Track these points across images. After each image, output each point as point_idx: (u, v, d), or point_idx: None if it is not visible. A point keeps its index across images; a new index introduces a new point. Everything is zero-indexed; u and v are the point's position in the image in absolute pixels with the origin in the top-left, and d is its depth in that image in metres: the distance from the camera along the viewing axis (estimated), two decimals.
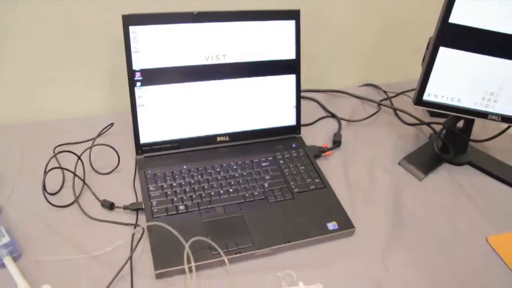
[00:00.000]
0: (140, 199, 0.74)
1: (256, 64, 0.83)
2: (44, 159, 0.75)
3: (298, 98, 0.87)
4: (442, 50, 0.76)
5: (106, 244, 0.66)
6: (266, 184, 0.78)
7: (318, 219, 0.72)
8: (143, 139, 0.80)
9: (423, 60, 0.78)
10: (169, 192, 0.74)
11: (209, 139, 0.83)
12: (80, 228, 0.69)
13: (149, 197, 0.73)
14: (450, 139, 0.91)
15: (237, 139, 0.85)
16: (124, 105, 0.80)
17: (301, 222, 0.72)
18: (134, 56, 0.75)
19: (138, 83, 0.77)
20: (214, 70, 0.81)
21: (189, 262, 0.62)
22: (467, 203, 0.83)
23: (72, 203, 0.73)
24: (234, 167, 0.80)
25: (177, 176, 0.77)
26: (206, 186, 0.76)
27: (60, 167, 0.76)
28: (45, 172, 0.72)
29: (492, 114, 0.80)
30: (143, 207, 0.71)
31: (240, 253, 0.66)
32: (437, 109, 0.81)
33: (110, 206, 0.72)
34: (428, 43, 0.77)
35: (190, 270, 0.61)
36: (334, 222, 0.72)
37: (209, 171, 0.79)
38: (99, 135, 0.85)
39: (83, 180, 0.76)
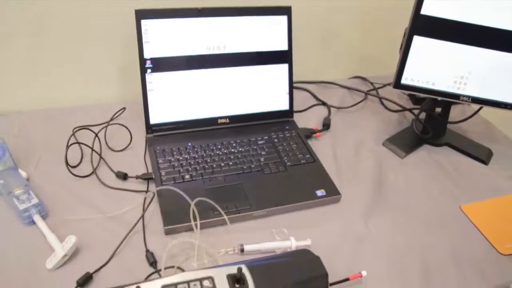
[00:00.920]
0: (150, 170, 0.83)
1: (253, 54, 0.93)
2: (64, 138, 0.85)
3: (291, 85, 0.97)
4: (416, 39, 0.86)
5: (121, 207, 0.75)
6: (262, 159, 0.87)
7: (308, 187, 0.82)
8: (152, 120, 0.90)
9: (400, 47, 0.89)
10: (176, 164, 0.83)
11: (211, 121, 0.93)
12: (98, 195, 0.78)
13: (158, 168, 0.82)
14: (430, 123, 1.00)
15: (236, 121, 0.95)
16: (134, 93, 0.91)
17: (293, 189, 0.81)
18: (145, 46, 0.86)
19: (149, 70, 0.87)
20: (216, 59, 0.91)
21: (194, 219, 0.71)
22: (443, 177, 0.92)
23: (91, 174, 0.82)
24: (234, 144, 0.90)
25: (183, 152, 0.86)
26: (208, 160, 0.85)
27: (80, 143, 0.86)
28: (67, 146, 0.82)
29: (463, 96, 0.90)
30: (153, 176, 0.81)
31: (239, 213, 0.75)
32: (414, 91, 0.91)
33: (124, 176, 0.81)
34: (404, 33, 0.87)
35: (196, 227, 0.71)
36: (322, 190, 0.82)
37: (211, 147, 0.88)
38: (112, 118, 0.94)
39: (100, 155, 0.85)
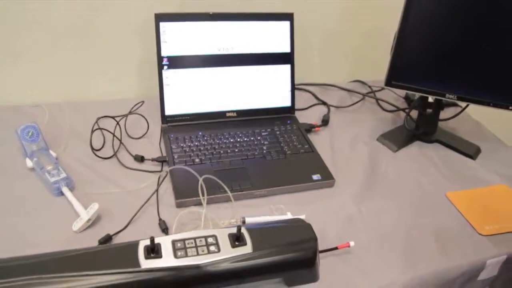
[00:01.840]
0: (165, 154, 0.93)
1: (258, 55, 1.04)
2: (88, 127, 0.95)
3: (293, 83, 1.07)
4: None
5: (138, 185, 0.85)
6: (264, 148, 0.97)
7: (305, 172, 0.91)
8: (167, 112, 1.00)
9: (391, 50, 0.98)
10: (187, 150, 0.93)
11: (220, 114, 1.03)
12: (117, 174, 0.88)
13: (171, 152, 0.92)
14: (421, 121, 1.09)
15: (242, 115, 1.05)
16: (151, 90, 1.01)
17: (291, 173, 0.90)
18: (163, 46, 0.97)
19: (165, 67, 0.98)
20: (225, 59, 1.01)
21: (202, 194, 0.80)
22: (432, 169, 1.00)
23: (111, 156, 0.92)
24: (239, 135, 0.99)
25: (194, 139, 0.96)
26: (216, 147, 0.95)
27: (103, 128, 0.96)
28: (92, 131, 0.92)
29: (449, 93, 0.98)
30: (167, 159, 0.91)
31: (242, 191, 0.84)
32: (404, 89, 1.00)
33: (141, 158, 0.92)
34: (394, 37, 0.97)
35: (203, 200, 0.80)
36: (318, 174, 0.90)
37: (219, 137, 0.98)
38: (131, 110, 1.05)
39: (120, 140, 0.96)
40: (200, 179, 0.80)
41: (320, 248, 0.72)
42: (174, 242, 0.64)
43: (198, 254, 0.63)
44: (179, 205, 0.81)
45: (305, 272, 0.68)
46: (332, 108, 1.18)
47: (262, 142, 0.98)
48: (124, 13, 1.06)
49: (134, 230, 0.76)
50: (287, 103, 1.08)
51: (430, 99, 1.05)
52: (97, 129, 0.94)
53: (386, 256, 0.76)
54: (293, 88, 1.08)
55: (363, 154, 1.02)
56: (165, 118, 1.00)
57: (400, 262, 0.75)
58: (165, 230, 0.76)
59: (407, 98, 1.25)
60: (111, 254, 0.63)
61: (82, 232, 0.75)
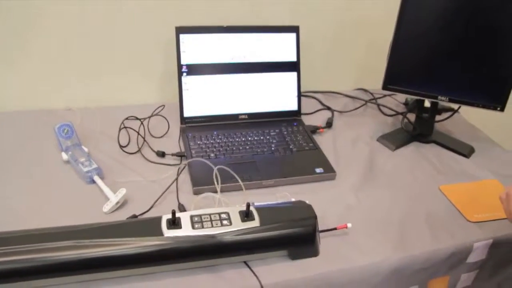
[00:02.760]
0: (183, 150, 1.04)
1: (268, 63, 1.15)
2: (115, 127, 1.07)
3: (299, 89, 1.18)
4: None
5: (159, 175, 0.96)
6: (272, 145, 1.07)
7: (309, 166, 1.00)
8: (186, 114, 1.12)
9: (388, 55, 1.08)
10: (203, 146, 1.04)
11: (233, 116, 1.15)
12: (141, 166, 0.99)
13: (189, 148, 1.03)
14: (419, 123, 1.18)
15: (253, 117, 1.16)
16: (171, 95, 1.12)
17: (296, 166, 1.00)
18: (182, 55, 1.09)
19: (184, 74, 1.10)
20: (238, 67, 1.13)
21: (216, 182, 0.90)
22: (428, 165, 1.08)
23: (136, 152, 1.04)
24: (250, 134, 1.10)
25: (209, 138, 1.07)
26: (229, 145, 1.06)
27: (128, 127, 1.08)
28: (119, 130, 1.04)
29: (441, 95, 1.08)
30: (185, 154, 1.02)
31: (251, 181, 0.94)
32: (399, 92, 1.10)
33: (162, 154, 1.03)
34: (390, 44, 1.07)
35: (217, 187, 0.90)
36: (321, 168, 1.00)
37: (232, 136, 1.09)
38: (152, 113, 1.17)
39: (144, 138, 1.07)
40: (215, 169, 0.90)
41: (321, 229, 0.81)
42: (192, 217, 0.74)
43: (212, 226, 0.73)
44: (196, 192, 0.92)
45: (307, 247, 0.77)
46: (336, 113, 1.28)
47: (271, 140, 1.09)
48: (147, 28, 1.19)
49: (156, 212, 0.86)
50: (294, 107, 1.19)
51: (427, 103, 1.15)
52: (123, 127, 1.06)
53: (380, 237, 0.85)
54: (299, 93, 1.18)
55: (363, 152, 1.11)
56: (184, 119, 1.12)
57: (393, 242, 0.84)
58: (183, 212, 0.86)
59: (406, 104, 1.35)
60: (139, 226, 0.74)
61: (111, 213, 0.86)
